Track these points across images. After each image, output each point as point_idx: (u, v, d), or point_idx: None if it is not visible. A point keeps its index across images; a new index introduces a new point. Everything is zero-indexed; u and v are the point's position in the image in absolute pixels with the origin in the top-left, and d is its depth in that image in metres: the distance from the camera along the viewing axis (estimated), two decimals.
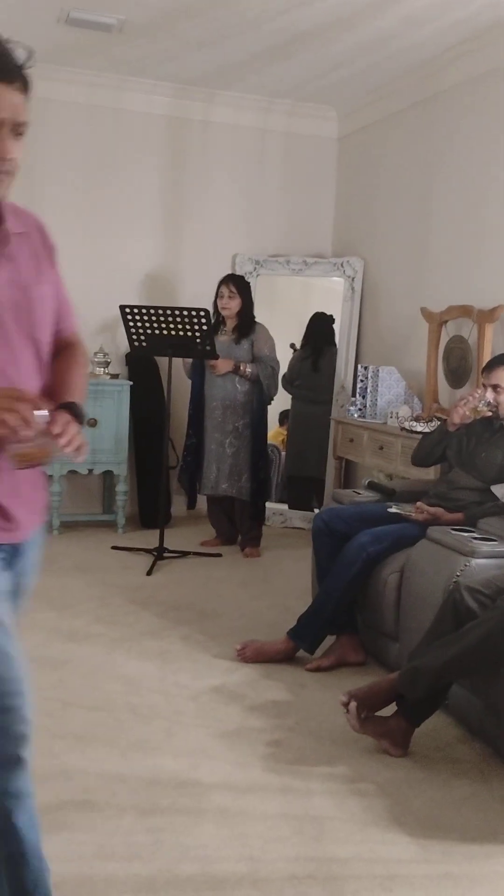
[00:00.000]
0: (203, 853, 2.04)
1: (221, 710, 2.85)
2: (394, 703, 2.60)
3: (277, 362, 5.02)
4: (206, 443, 4.97)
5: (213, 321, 4.79)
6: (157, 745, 2.59)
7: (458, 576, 2.81)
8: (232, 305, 4.87)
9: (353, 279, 5.64)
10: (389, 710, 2.60)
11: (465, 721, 2.75)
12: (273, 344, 4.97)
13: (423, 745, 2.62)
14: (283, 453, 6.10)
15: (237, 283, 4.92)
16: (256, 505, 4.99)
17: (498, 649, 2.41)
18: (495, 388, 3.29)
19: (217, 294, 4.95)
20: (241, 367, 4.82)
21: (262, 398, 4.95)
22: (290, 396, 5.87)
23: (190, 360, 4.96)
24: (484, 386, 3.35)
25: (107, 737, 2.62)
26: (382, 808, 2.28)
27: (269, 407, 5.10)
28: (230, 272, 5.35)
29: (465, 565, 2.86)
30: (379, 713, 2.60)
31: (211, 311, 4.79)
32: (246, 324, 4.91)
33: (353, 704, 2.58)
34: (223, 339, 4.88)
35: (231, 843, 2.09)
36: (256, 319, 4.99)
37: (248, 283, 5.04)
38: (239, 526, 5.06)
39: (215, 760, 2.51)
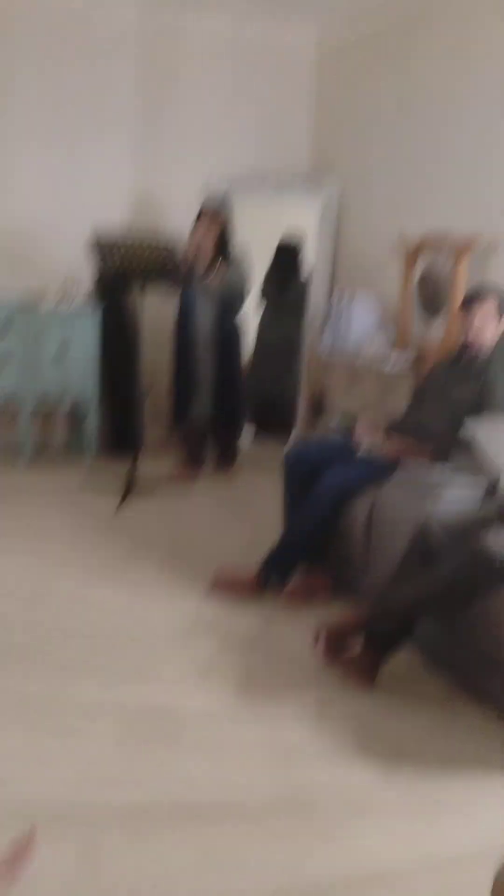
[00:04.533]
0: (182, 780, 2.13)
1: (195, 640, 2.93)
2: (362, 637, 2.69)
3: (247, 279, 4.98)
4: (200, 367, 4.99)
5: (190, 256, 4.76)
6: (136, 674, 2.67)
7: (427, 511, 2.88)
8: (206, 242, 4.79)
9: (328, 199, 5.53)
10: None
11: (431, 653, 2.85)
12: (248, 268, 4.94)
13: (389, 675, 2.72)
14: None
15: (212, 218, 4.85)
16: (234, 425, 5.20)
17: (466, 585, 2.49)
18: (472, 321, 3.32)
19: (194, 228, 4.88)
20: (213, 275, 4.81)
21: (234, 316, 4.97)
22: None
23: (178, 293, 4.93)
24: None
25: (87, 666, 2.69)
26: (351, 737, 2.39)
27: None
28: (203, 195, 5.28)
29: (435, 501, 2.94)
30: (348, 647, 2.70)
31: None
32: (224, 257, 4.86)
33: (321, 638, 2.68)
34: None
35: (209, 771, 2.19)
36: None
37: (221, 212, 4.96)
38: (216, 446, 5.21)
39: (191, 689, 2.60)
